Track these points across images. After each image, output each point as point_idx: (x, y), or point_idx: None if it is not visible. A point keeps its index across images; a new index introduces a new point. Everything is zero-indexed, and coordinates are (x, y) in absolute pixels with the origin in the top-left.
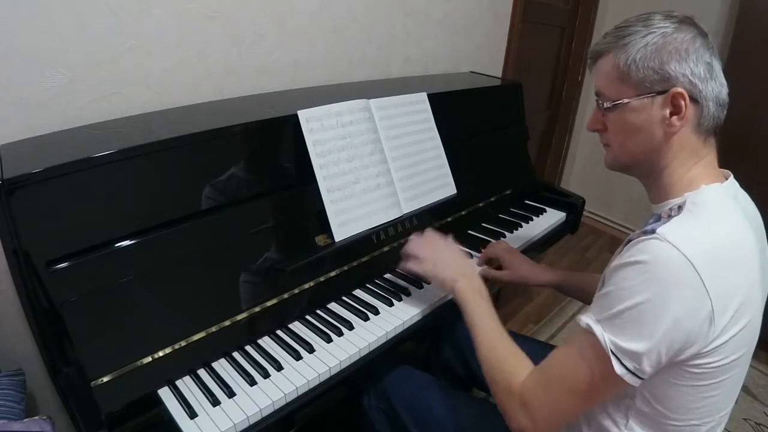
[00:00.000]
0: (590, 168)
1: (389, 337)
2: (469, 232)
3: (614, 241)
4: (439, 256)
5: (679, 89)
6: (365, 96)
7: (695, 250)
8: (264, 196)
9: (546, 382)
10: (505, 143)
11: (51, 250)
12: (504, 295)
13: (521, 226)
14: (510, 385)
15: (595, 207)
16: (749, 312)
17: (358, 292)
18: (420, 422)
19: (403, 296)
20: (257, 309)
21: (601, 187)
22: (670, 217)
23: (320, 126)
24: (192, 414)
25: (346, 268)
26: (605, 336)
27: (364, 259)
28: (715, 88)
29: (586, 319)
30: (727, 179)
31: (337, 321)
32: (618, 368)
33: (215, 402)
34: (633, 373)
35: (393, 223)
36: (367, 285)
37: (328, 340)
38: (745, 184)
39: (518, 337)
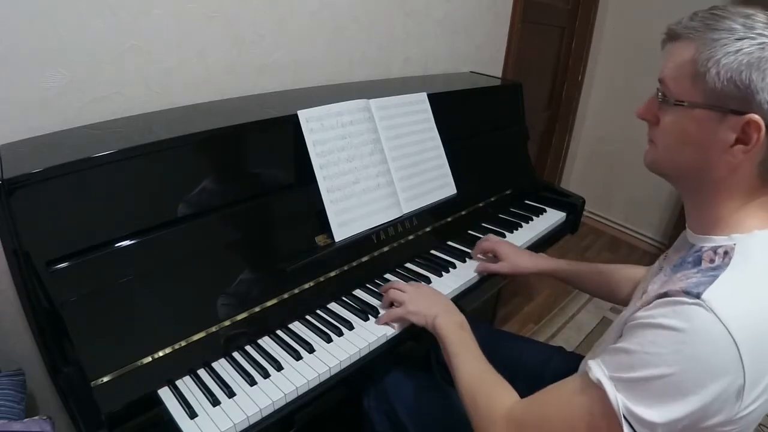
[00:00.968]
0: (590, 168)
1: (389, 337)
2: (469, 232)
3: (614, 241)
4: (418, 297)
5: (757, 118)
6: (365, 96)
7: (741, 324)
8: (264, 196)
9: (539, 420)
10: (505, 143)
11: (51, 250)
12: (504, 295)
13: (521, 226)
14: (495, 411)
15: (595, 207)
16: None
17: (358, 292)
18: (420, 423)
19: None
20: (257, 309)
21: (601, 187)
22: (713, 263)
23: (320, 126)
24: (192, 414)
25: (346, 268)
26: (618, 398)
27: (364, 259)
28: None
29: (599, 373)
30: None
31: (337, 321)
32: None
33: (215, 402)
34: None
35: (393, 223)
36: (367, 285)
37: (328, 340)
38: None
39: (518, 338)
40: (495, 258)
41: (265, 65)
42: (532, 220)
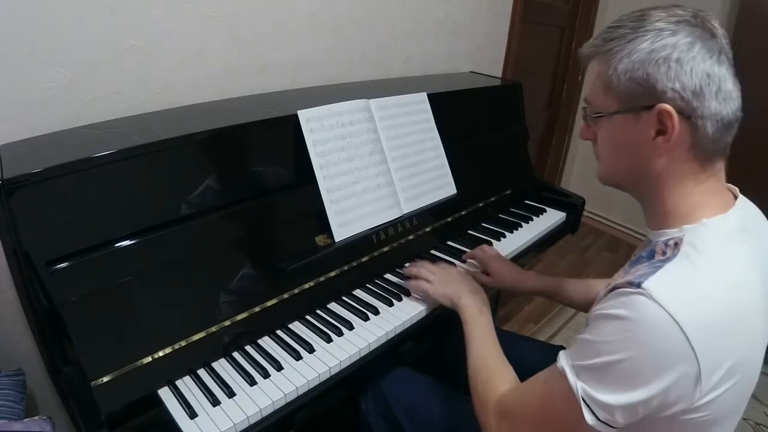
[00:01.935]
0: (590, 168)
1: (389, 337)
2: (469, 232)
3: (614, 241)
4: (444, 276)
5: (666, 106)
6: (365, 96)
7: (686, 313)
8: (264, 196)
9: (520, 406)
10: (505, 143)
11: (51, 250)
12: (504, 295)
13: (521, 226)
14: (489, 397)
15: (595, 207)
16: (739, 372)
17: (358, 292)
18: (418, 425)
19: (403, 296)
20: (257, 309)
21: (601, 187)
22: (664, 255)
23: (320, 126)
24: (192, 414)
25: (346, 268)
26: (578, 384)
27: (364, 259)
28: (715, 104)
29: (563, 362)
30: (736, 199)
31: (337, 321)
32: (588, 417)
33: (215, 402)
34: (605, 423)
35: (393, 223)
36: (367, 285)
37: (328, 340)
38: (742, 186)
39: (518, 338)
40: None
41: (265, 65)
42: (532, 220)
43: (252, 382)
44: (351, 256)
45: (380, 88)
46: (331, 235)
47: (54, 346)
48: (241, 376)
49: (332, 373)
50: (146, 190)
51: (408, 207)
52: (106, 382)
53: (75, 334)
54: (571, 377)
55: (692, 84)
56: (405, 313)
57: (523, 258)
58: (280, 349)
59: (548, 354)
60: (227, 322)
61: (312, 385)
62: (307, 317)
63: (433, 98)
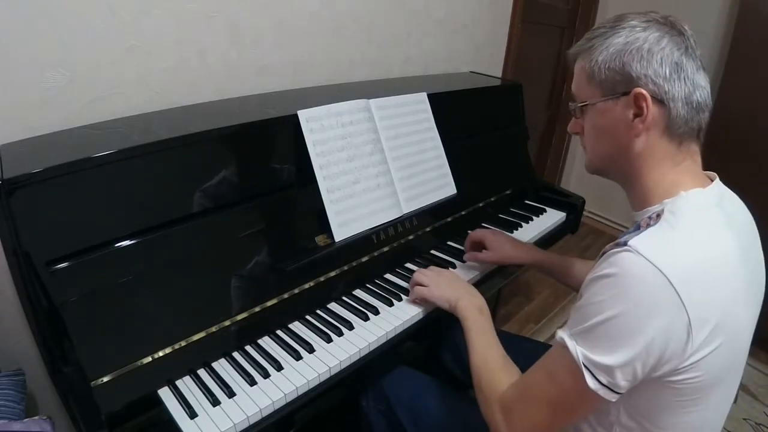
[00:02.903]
0: None
1: (389, 337)
2: (469, 232)
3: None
4: (442, 281)
5: (641, 90)
6: (365, 96)
7: (669, 263)
8: (264, 196)
9: (524, 394)
10: (505, 143)
11: (51, 250)
12: (504, 295)
13: (521, 226)
14: (492, 394)
15: (595, 207)
16: (725, 332)
17: (358, 292)
18: (418, 424)
19: (403, 296)
20: (257, 309)
21: (601, 187)
22: (648, 226)
23: (320, 126)
24: (192, 414)
25: (346, 268)
26: (578, 350)
27: (364, 259)
28: (685, 88)
29: (561, 333)
30: (712, 181)
31: (337, 321)
32: (591, 382)
33: (215, 402)
34: (607, 387)
35: (393, 223)
36: (367, 285)
37: (328, 340)
38: (744, 185)
39: (518, 338)
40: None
41: (265, 65)
42: (532, 220)
43: (252, 382)
44: (351, 256)
45: (380, 88)
46: (331, 235)
47: (54, 346)
48: (241, 376)
49: (332, 373)
50: (146, 190)
51: (408, 207)
52: (106, 382)
53: (75, 334)
54: (571, 344)
55: (663, 71)
56: (405, 313)
57: None
58: (280, 349)
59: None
60: (227, 322)
61: (312, 385)
62: (307, 317)
63: (433, 98)
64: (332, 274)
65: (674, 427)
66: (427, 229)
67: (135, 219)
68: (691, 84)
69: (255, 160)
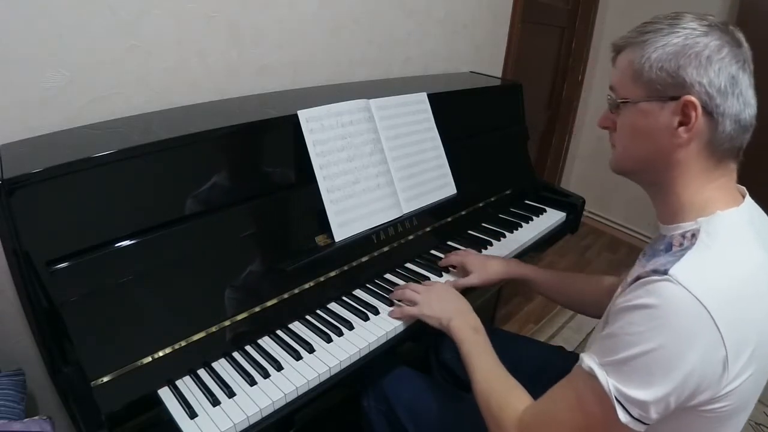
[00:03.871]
0: (590, 168)
1: (389, 337)
2: (469, 232)
3: (614, 241)
4: (433, 297)
5: (692, 98)
6: (365, 96)
7: (710, 293)
8: (264, 196)
9: (547, 419)
10: (505, 143)
11: (51, 250)
12: (504, 296)
13: (521, 226)
14: (507, 419)
15: (595, 207)
16: (759, 358)
17: (358, 292)
18: (419, 424)
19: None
20: (257, 309)
21: (601, 187)
22: (681, 246)
23: (320, 126)
24: (192, 414)
25: (346, 268)
26: (609, 382)
27: (364, 259)
28: (736, 105)
29: (589, 361)
30: (743, 197)
31: (337, 321)
32: (623, 416)
33: (215, 402)
34: (638, 420)
35: (393, 223)
36: (367, 285)
37: (328, 340)
38: (744, 185)
39: (518, 338)
40: (466, 271)
41: (265, 65)
42: (532, 220)
43: (252, 382)
44: (351, 256)
45: (380, 88)
46: (331, 235)
47: (54, 346)
48: (241, 376)
49: (332, 373)
50: (146, 190)
51: (408, 207)
52: (106, 382)
53: (75, 334)
54: (601, 376)
55: (718, 82)
56: None
57: (523, 258)
58: (280, 349)
59: (548, 354)
60: (227, 322)
61: (312, 385)
62: (307, 317)
63: (433, 98)
64: (332, 274)
65: None
66: (427, 229)
67: (135, 219)
68: (743, 101)
69: (255, 160)
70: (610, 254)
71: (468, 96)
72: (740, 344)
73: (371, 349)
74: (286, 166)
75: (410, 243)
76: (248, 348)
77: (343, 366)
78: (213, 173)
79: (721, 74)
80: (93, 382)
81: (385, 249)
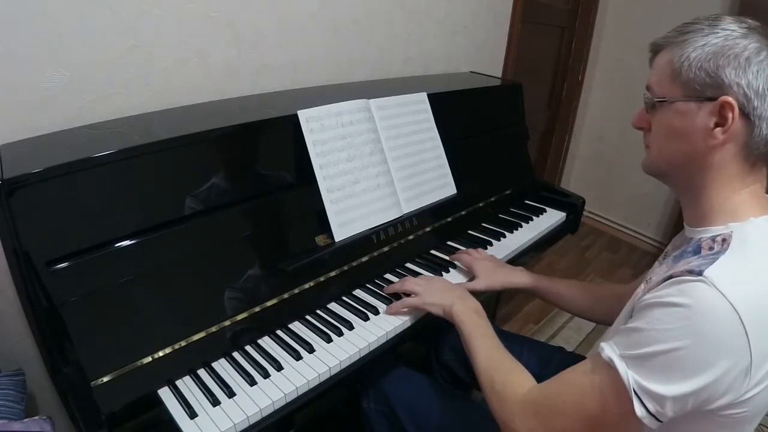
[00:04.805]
0: (590, 168)
1: (389, 337)
2: (469, 232)
3: (614, 241)
4: (433, 287)
5: (730, 99)
6: (365, 96)
7: (744, 299)
8: (264, 196)
9: (557, 401)
10: (505, 143)
11: (51, 250)
12: (504, 295)
13: (521, 226)
14: (512, 395)
15: (595, 207)
16: None
17: (358, 292)
18: (419, 424)
19: (403, 296)
20: (257, 309)
21: (601, 187)
22: (712, 250)
23: (320, 126)
24: (192, 414)
25: (346, 268)
26: (629, 374)
27: (364, 259)
28: None
29: (610, 352)
30: None
31: (337, 321)
32: (639, 410)
33: (215, 402)
34: (653, 416)
35: (393, 223)
36: (367, 285)
37: (328, 340)
38: None
39: (518, 338)
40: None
41: (265, 65)
42: (532, 220)
43: (252, 382)
44: (351, 256)
45: (380, 88)
46: (331, 235)
47: (54, 346)
48: (241, 376)
49: (332, 373)
50: (146, 190)
51: (408, 207)
52: (106, 382)
53: (75, 334)
54: (621, 367)
55: (757, 84)
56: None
57: (523, 258)
58: (280, 349)
59: (547, 354)
60: (227, 322)
61: (312, 385)
62: (307, 317)
63: (433, 98)
64: (332, 274)
65: None
66: (427, 229)
67: (135, 219)
68: None
69: (255, 160)
70: (610, 254)
71: (468, 96)
72: (765, 353)
73: (371, 349)
74: (286, 166)
75: (410, 243)
76: (248, 348)
77: (343, 366)
78: (213, 173)
79: (759, 76)
80: (93, 382)
81: (385, 249)
